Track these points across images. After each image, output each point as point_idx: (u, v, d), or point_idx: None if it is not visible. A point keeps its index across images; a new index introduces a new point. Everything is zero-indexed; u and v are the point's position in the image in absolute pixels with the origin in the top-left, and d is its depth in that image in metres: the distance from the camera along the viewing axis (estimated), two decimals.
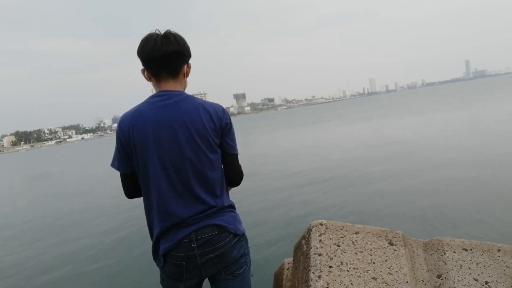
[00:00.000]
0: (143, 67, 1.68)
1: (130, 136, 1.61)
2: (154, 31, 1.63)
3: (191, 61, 1.73)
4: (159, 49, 1.59)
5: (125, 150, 1.65)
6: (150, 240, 1.73)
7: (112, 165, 1.71)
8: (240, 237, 1.73)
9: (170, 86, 1.67)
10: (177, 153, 1.61)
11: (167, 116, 1.60)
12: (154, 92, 1.70)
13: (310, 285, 1.66)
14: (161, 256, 1.65)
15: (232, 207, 1.75)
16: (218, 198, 1.69)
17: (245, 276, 1.76)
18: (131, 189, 1.73)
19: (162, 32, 1.63)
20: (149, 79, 1.71)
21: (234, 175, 1.78)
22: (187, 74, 1.73)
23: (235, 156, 1.76)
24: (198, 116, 1.62)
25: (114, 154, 1.69)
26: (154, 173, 1.61)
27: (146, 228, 1.74)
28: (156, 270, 1.76)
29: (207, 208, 1.65)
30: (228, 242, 1.66)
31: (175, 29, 1.65)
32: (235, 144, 1.76)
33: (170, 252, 1.63)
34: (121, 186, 1.75)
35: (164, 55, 1.60)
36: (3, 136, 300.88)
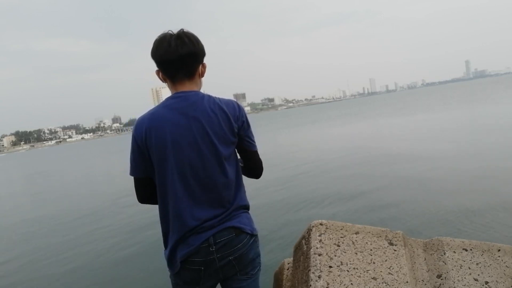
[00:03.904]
0: (157, 68, 1.65)
1: (147, 139, 1.57)
2: (167, 32, 1.59)
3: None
4: (173, 51, 1.55)
5: (142, 153, 1.60)
6: (163, 246, 1.69)
7: (131, 174, 1.66)
8: (255, 238, 1.73)
9: (186, 87, 1.63)
10: (195, 155, 1.58)
11: (184, 118, 1.57)
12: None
13: (310, 285, 1.66)
14: (179, 262, 1.62)
15: (246, 207, 1.74)
16: (235, 198, 1.67)
17: (258, 277, 1.77)
18: (144, 195, 1.69)
19: (175, 31, 1.59)
20: (164, 80, 1.68)
21: (255, 170, 1.79)
22: (202, 74, 1.69)
23: (255, 152, 1.76)
24: (215, 117, 1.60)
25: (130, 161, 1.64)
26: (171, 177, 1.58)
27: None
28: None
29: (224, 210, 1.63)
30: (246, 243, 1.66)
31: (176, 29, 1.61)
32: (253, 140, 1.75)
33: (188, 258, 1.60)
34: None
35: (178, 57, 1.57)
36: (3, 136, 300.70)
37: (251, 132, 1.73)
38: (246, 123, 1.69)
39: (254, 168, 1.79)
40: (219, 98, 1.67)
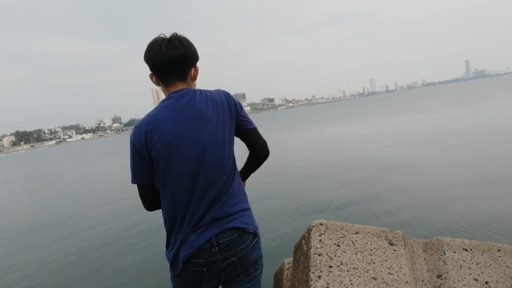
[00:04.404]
0: (151, 72, 1.66)
1: (147, 142, 1.56)
2: (159, 36, 1.61)
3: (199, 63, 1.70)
4: (164, 54, 1.57)
5: (143, 158, 1.59)
6: (165, 247, 1.68)
7: (133, 181, 1.65)
8: (257, 238, 1.72)
9: (180, 87, 1.65)
10: (198, 154, 1.58)
11: (183, 117, 1.58)
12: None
13: (310, 285, 1.66)
14: (181, 263, 1.61)
15: (243, 195, 1.73)
16: (232, 187, 1.67)
17: (260, 278, 1.76)
18: (150, 201, 1.68)
19: (168, 35, 1.60)
20: (157, 83, 1.69)
21: (260, 148, 1.77)
22: (194, 78, 1.70)
23: (255, 129, 1.76)
24: (211, 111, 1.62)
25: (131, 168, 1.63)
26: (176, 177, 1.58)
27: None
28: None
29: (223, 200, 1.63)
30: (248, 244, 1.65)
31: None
32: (249, 119, 1.75)
33: (190, 259, 1.59)
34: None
35: (169, 61, 1.58)
36: (3, 136, 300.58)
37: (244, 112, 1.75)
38: (238, 105, 1.72)
39: (259, 146, 1.76)
40: (209, 91, 1.69)
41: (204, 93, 1.65)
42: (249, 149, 1.80)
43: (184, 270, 1.61)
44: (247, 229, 1.65)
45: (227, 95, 1.70)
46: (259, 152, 1.78)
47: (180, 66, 1.62)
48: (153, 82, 1.71)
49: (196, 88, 1.68)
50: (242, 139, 1.77)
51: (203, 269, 1.60)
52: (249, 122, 1.74)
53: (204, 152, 1.59)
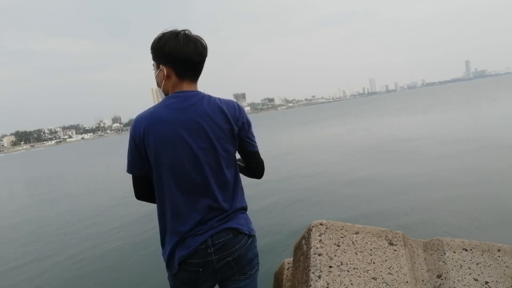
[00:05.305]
0: (162, 63, 1.61)
1: (145, 138, 1.57)
2: (183, 30, 1.61)
3: None
4: (200, 54, 1.61)
5: (139, 152, 1.60)
6: (161, 246, 1.69)
7: (128, 171, 1.66)
8: (253, 238, 1.73)
9: (191, 87, 1.65)
10: (193, 157, 1.58)
11: (184, 119, 1.57)
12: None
13: (310, 285, 1.66)
14: (177, 264, 1.62)
15: (244, 208, 1.74)
16: (232, 200, 1.68)
17: (256, 277, 1.77)
18: (141, 192, 1.69)
19: (186, 32, 1.61)
20: (167, 76, 1.62)
21: (256, 171, 1.79)
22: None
23: (256, 153, 1.76)
24: (214, 118, 1.60)
25: (128, 159, 1.64)
26: (168, 178, 1.59)
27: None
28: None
29: (221, 212, 1.63)
30: (243, 244, 1.66)
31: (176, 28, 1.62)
32: (254, 141, 1.75)
33: (186, 260, 1.60)
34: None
35: (201, 61, 1.63)
36: (3, 136, 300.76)
37: (251, 133, 1.73)
38: (246, 123, 1.69)
39: (256, 168, 1.79)
40: (219, 99, 1.67)
41: (213, 100, 1.64)
42: (245, 167, 1.81)
43: (180, 270, 1.62)
44: (241, 229, 1.66)
45: (237, 109, 1.67)
46: (255, 173, 1.81)
47: (202, 66, 1.66)
48: (163, 74, 1.62)
49: (206, 93, 1.67)
50: (241, 157, 1.78)
51: (199, 269, 1.61)
52: (253, 145, 1.74)
53: (199, 159, 1.59)
